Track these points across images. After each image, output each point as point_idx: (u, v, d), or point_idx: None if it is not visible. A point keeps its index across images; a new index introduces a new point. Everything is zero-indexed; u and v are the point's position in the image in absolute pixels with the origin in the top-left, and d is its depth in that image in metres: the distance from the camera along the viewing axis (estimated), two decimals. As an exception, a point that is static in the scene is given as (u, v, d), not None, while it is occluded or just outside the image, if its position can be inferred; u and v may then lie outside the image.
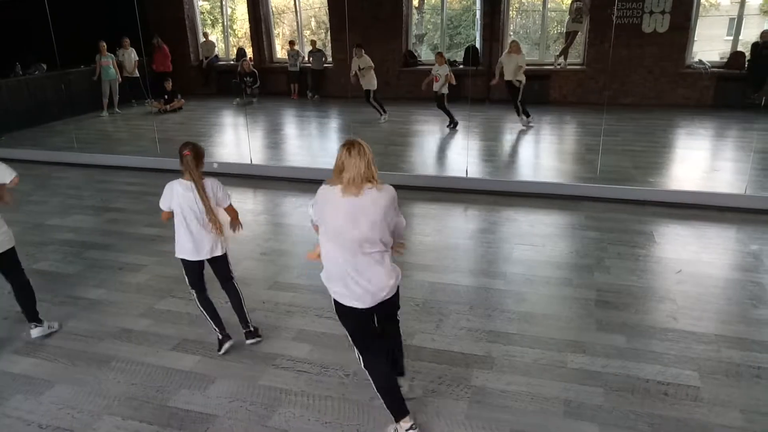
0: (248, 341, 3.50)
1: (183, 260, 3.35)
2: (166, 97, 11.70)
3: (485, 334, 3.57)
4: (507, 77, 9.09)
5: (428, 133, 9.57)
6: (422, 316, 3.81)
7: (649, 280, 4.28)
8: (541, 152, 8.55)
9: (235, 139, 9.92)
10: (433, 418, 2.87)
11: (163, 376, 3.24)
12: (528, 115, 9.32)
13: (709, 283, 4.21)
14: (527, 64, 9.30)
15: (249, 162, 7.50)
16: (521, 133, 9.25)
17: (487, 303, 3.96)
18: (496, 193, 6.22)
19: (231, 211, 3.45)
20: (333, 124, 10.19)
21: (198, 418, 2.91)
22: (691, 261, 4.56)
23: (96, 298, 4.17)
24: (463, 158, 6.94)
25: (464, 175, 6.65)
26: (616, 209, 5.68)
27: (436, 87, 9.12)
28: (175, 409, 2.98)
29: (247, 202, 6.38)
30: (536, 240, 5.00)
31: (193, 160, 3.18)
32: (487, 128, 9.53)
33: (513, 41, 9.42)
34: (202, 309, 3.44)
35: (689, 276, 4.29)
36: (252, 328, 3.53)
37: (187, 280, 3.41)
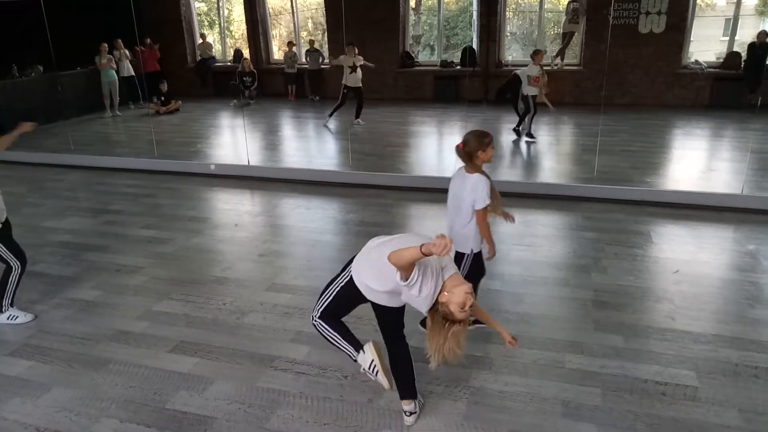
0: None
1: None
2: (162, 98, 11.69)
3: (483, 334, 3.57)
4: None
5: (425, 133, 9.58)
6: (420, 316, 3.80)
7: (647, 280, 4.29)
8: (539, 153, 8.56)
9: (233, 141, 9.91)
10: (432, 419, 2.87)
11: (161, 379, 3.23)
12: None
13: (706, 282, 4.23)
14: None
15: (247, 163, 7.50)
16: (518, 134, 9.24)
17: (484, 303, 3.94)
18: (494, 193, 6.21)
19: None
20: (330, 125, 10.18)
21: (196, 420, 2.90)
22: (689, 261, 4.57)
23: (93, 300, 4.16)
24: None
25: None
26: (613, 209, 5.69)
27: None
28: (174, 411, 2.97)
29: (244, 203, 6.37)
30: (533, 240, 5.01)
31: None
32: (484, 129, 9.53)
33: None
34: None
35: (686, 276, 4.30)
36: None
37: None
